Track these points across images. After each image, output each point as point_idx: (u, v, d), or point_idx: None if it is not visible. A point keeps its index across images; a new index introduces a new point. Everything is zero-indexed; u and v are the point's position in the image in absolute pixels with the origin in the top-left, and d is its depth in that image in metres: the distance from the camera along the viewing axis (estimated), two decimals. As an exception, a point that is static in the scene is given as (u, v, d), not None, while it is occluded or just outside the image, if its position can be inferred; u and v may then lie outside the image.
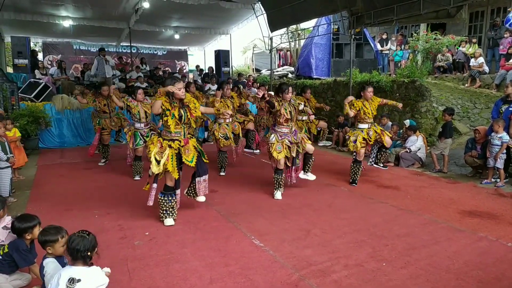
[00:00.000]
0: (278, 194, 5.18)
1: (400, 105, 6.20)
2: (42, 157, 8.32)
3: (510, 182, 5.92)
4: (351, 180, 5.93)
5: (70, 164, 7.57)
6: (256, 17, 12.56)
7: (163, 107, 4.02)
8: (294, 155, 5.17)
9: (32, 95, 9.50)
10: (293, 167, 5.40)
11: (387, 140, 5.90)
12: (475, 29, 12.64)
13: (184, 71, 16.81)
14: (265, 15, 11.92)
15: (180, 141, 4.12)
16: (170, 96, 4.02)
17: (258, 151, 7.15)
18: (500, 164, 5.74)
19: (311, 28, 14.46)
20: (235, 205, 4.72)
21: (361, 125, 5.86)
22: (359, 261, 3.36)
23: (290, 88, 5.11)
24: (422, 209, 4.78)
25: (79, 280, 2.27)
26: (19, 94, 9.12)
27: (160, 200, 4.16)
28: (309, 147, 5.36)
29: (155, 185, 4.20)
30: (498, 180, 5.81)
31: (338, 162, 7.44)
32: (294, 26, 14.55)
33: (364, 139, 5.76)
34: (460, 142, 7.66)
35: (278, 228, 4.15)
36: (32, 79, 10.24)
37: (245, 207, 4.84)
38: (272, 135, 5.12)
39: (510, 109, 5.93)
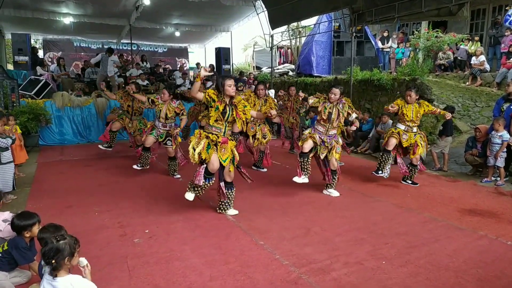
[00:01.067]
0: (303, 179, 5.06)
1: (448, 115, 5.86)
2: (42, 154, 8.32)
3: (510, 181, 5.92)
4: (376, 168, 5.79)
5: (70, 161, 7.57)
6: (257, 14, 12.52)
7: (209, 97, 4.14)
8: (321, 156, 5.14)
9: (33, 92, 9.50)
10: (325, 168, 5.29)
11: (416, 156, 5.70)
12: (476, 27, 12.59)
13: (185, 68, 16.79)
14: (266, 12, 11.88)
15: (218, 136, 4.18)
16: (221, 90, 4.14)
17: (265, 169, 6.81)
18: (500, 162, 5.73)
19: (312, 26, 14.42)
20: (235, 203, 4.71)
21: (399, 125, 5.79)
22: (359, 259, 3.36)
23: (336, 90, 5.08)
24: (422, 207, 4.77)
25: None
26: (19, 91, 9.11)
27: (195, 174, 4.22)
28: (333, 161, 5.17)
29: (202, 167, 4.21)
30: (498, 178, 5.81)
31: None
32: (295, 24, 14.50)
33: (398, 134, 5.66)
34: (461, 141, 7.65)
35: (278, 226, 4.15)
36: (33, 76, 10.24)
37: (245, 205, 4.84)
38: (308, 130, 5.31)
39: None
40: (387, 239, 3.78)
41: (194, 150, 4.12)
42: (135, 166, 6.23)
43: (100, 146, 7.51)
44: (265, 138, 6.49)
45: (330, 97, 5.10)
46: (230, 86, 4.13)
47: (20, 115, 8.18)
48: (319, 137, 5.09)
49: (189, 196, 4.28)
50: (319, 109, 5.10)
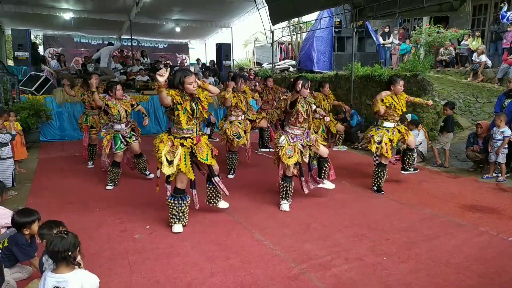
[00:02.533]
0: (285, 206, 4.51)
1: (430, 102, 5.33)
2: (43, 150, 8.33)
3: (511, 177, 5.91)
4: (375, 188, 5.21)
5: (70, 157, 7.57)
6: (258, 10, 12.48)
7: (174, 101, 3.64)
8: (306, 160, 4.59)
9: (33, 88, 9.48)
10: (309, 173, 4.79)
11: (410, 140, 5.24)
12: (478, 22, 12.52)
13: (185, 64, 16.75)
14: (266, 8, 11.83)
15: (192, 139, 3.80)
16: (181, 89, 3.70)
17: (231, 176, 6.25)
18: (501, 158, 5.72)
19: (313, 21, 14.35)
20: (236, 199, 4.72)
21: (386, 123, 5.14)
22: (359, 255, 3.36)
23: (309, 83, 4.44)
24: (423, 203, 4.77)
25: None
26: (19, 87, 9.10)
27: (170, 204, 3.81)
28: (323, 149, 4.74)
29: (169, 187, 3.90)
30: (500, 174, 5.79)
31: (339, 156, 7.42)
32: (295, 19, 14.44)
33: (390, 140, 5.08)
34: (462, 137, 7.63)
35: (279, 222, 4.15)
36: (33, 72, 10.22)
37: (246, 201, 4.84)
38: (282, 137, 4.47)
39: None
40: (388, 235, 3.78)
41: (169, 162, 3.67)
42: (108, 187, 5.38)
43: (88, 167, 6.68)
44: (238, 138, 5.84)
45: (304, 93, 4.39)
46: (190, 84, 3.66)
47: (20, 111, 8.17)
48: (300, 144, 4.47)
49: (178, 228, 3.82)
50: (299, 110, 4.38)
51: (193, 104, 3.77)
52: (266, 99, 8.02)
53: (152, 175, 5.77)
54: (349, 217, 4.32)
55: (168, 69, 3.56)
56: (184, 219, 3.90)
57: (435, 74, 10.26)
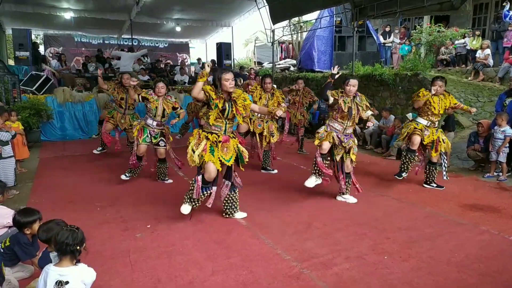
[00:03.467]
0: (309, 181, 4.64)
1: (473, 110, 5.27)
2: (44, 149, 8.34)
3: (513, 176, 5.90)
4: (399, 171, 5.30)
5: (72, 157, 7.58)
6: (258, 9, 12.47)
7: (207, 95, 3.78)
8: (337, 159, 4.65)
9: (34, 88, 9.49)
10: (342, 174, 4.79)
11: (433, 154, 5.23)
12: (479, 21, 12.51)
13: (186, 63, 16.76)
14: (267, 7, 11.82)
15: (218, 136, 3.85)
16: (218, 85, 3.81)
17: (275, 171, 6.34)
18: (502, 158, 5.72)
19: (314, 21, 14.36)
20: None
21: (420, 119, 5.21)
22: (361, 253, 3.36)
23: (355, 81, 4.55)
24: (424, 202, 4.77)
25: (67, 282, 2.15)
26: (20, 86, 9.11)
27: (192, 186, 3.92)
28: (348, 163, 4.72)
29: (199, 177, 3.90)
30: (501, 174, 5.79)
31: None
32: (296, 19, 14.44)
33: (420, 130, 5.12)
34: (463, 136, 7.62)
35: (280, 221, 4.15)
36: (34, 72, 10.22)
37: (247, 200, 4.84)
38: (323, 127, 4.71)
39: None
40: (389, 234, 3.78)
41: (194, 152, 3.81)
42: (123, 177, 5.46)
43: (94, 151, 7.08)
44: (272, 136, 6.00)
45: (347, 90, 4.53)
46: (227, 80, 3.77)
47: (21, 111, 8.18)
48: (336, 136, 4.59)
49: (186, 209, 3.91)
50: (340, 104, 4.51)
51: (227, 104, 3.84)
52: (292, 100, 7.61)
53: (170, 181, 5.73)
54: (350, 216, 4.33)
55: (212, 64, 3.69)
56: (196, 204, 3.96)
57: (436, 73, 10.23)
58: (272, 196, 5.03)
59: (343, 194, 4.81)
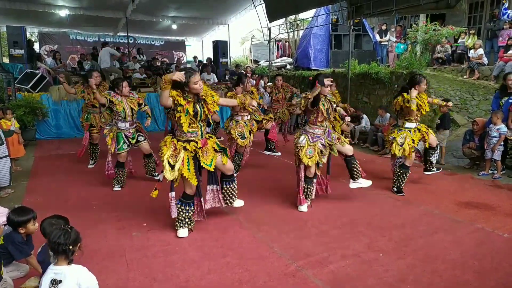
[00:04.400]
0: (303, 207, 4.43)
1: (450, 104, 5.13)
2: (39, 148, 8.29)
3: (507, 174, 5.94)
4: (395, 189, 5.09)
5: (67, 155, 7.54)
6: (255, 7, 12.44)
7: (176, 102, 3.46)
8: (324, 160, 4.44)
9: (29, 86, 9.43)
10: (328, 175, 4.71)
11: (431, 139, 5.13)
12: (474, 20, 12.56)
13: (182, 62, 16.71)
14: (263, 5, 11.80)
15: (196, 142, 3.60)
16: (184, 89, 3.49)
17: (279, 153, 6.53)
18: (497, 156, 5.75)
19: (310, 19, 14.35)
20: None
21: (408, 124, 5.00)
22: (356, 251, 3.37)
23: (330, 80, 4.30)
24: (419, 200, 4.79)
25: (60, 281, 2.15)
26: (15, 84, 9.05)
27: (177, 209, 3.71)
28: (348, 147, 4.57)
29: (172, 194, 3.78)
30: (495, 171, 5.83)
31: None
32: (292, 17, 14.43)
33: (412, 140, 4.96)
34: (458, 134, 7.66)
35: (276, 219, 4.16)
36: (29, 70, 10.16)
37: (243, 198, 4.82)
38: (302, 137, 4.36)
39: (510, 101, 5.92)
40: (385, 232, 3.80)
41: (171, 166, 3.52)
42: (116, 189, 5.25)
43: (88, 166, 6.60)
44: (243, 139, 5.79)
45: (324, 91, 4.29)
46: (196, 83, 3.47)
47: (16, 109, 8.13)
48: (321, 144, 4.35)
49: (183, 233, 3.70)
50: (320, 108, 4.27)
51: (197, 106, 3.57)
52: (276, 98, 7.70)
53: (161, 176, 5.64)
54: (347, 214, 4.34)
55: (198, 75, 3.51)
56: (191, 224, 3.79)
57: (432, 72, 10.27)
58: (268, 194, 5.03)
59: (356, 179, 4.63)
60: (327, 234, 3.77)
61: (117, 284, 2.87)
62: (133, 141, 5.26)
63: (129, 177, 5.78)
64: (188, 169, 3.54)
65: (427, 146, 5.24)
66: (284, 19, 14.33)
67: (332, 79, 4.34)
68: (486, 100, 8.60)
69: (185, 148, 3.56)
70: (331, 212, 4.41)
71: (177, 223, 3.74)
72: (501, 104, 6.11)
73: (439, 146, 5.34)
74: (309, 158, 4.26)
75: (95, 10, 13.13)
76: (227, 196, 4.04)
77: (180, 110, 3.49)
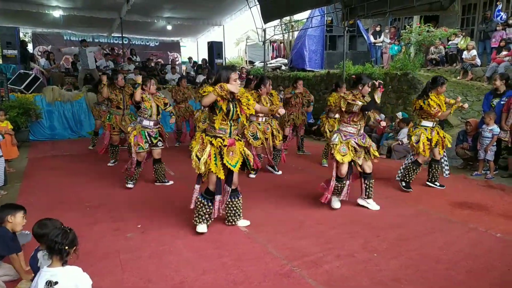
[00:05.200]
0: (336, 203, 4.45)
1: (465, 106, 5.15)
2: (33, 149, 8.24)
3: (500, 174, 6.00)
4: (404, 184, 5.18)
5: (61, 157, 7.50)
6: (249, 8, 12.44)
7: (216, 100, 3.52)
8: (360, 162, 4.37)
9: (22, 87, 9.38)
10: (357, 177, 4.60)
11: (435, 150, 5.22)
12: (467, 21, 12.67)
13: (177, 62, 16.68)
14: (258, 6, 11.82)
15: (223, 140, 3.61)
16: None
17: (279, 172, 6.16)
18: (490, 156, 5.81)
19: (305, 20, 14.39)
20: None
21: (425, 122, 5.09)
22: (351, 251, 3.39)
23: (369, 81, 4.30)
24: (413, 200, 4.82)
25: (56, 283, 2.13)
26: (8, 85, 8.98)
27: (198, 203, 3.72)
28: (369, 163, 4.46)
29: (197, 186, 3.77)
30: (488, 172, 5.88)
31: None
32: (287, 18, 14.46)
33: (428, 139, 5.03)
34: (452, 134, 7.68)
35: (272, 219, 4.16)
36: (22, 70, 10.09)
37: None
38: (335, 135, 4.37)
39: (502, 102, 5.98)
40: (379, 232, 3.81)
41: (199, 159, 3.59)
42: (128, 185, 5.29)
43: (109, 164, 6.68)
44: (255, 139, 5.75)
45: (365, 90, 4.29)
46: (235, 80, 3.53)
47: (9, 110, 8.07)
48: (354, 142, 4.31)
49: (202, 228, 3.71)
50: (354, 109, 4.22)
51: (231, 105, 3.58)
52: (294, 103, 7.21)
53: (171, 182, 5.58)
54: (342, 214, 4.35)
55: (237, 73, 3.58)
56: (209, 221, 3.78)
57: (425, 73, 10.33)
58: (265, 195, 5.03)
59: (366, 198, 4.54)
60: (323, 234, 3.78)
61: (111, 286, 2.85)
62: (155, 141, 5.22)
63: (123, 179, 5.75)
64: (216, 164, 3.59)
65: (435, 154, 5.27)
66: (279, 20, 14.37)
67: (381, 81, 4.27)
68: (479, 101, 8.65)
69: (211, 143, 3.61)
70: (327, 212, 4.42)
71: (196, 219, 3.74)
72: (492, 105, 6.18)
73: (445, 159, 5.41)
74: (342, 156, 4.24)
75: (89, 11, 13.06)
76: (230, 212, 3.91)
77: (215, 107, 3.55)
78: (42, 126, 9.52)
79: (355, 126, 4.33)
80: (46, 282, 2.15)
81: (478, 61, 10.11)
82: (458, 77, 10.12)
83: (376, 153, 4.45)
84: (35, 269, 2.55)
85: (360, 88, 4.31)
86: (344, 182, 4.39)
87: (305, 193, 5.06)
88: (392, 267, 3.11)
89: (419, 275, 2.98)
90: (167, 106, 5.41)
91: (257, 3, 11.81)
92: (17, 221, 2.87)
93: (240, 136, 4.00)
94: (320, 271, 3.04)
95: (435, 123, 5.15)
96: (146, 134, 5.13)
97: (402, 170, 5.38)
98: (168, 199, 4.86)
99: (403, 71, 8.95)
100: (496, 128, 5.75)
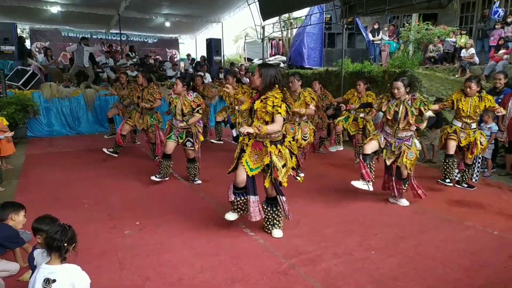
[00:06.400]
0: (358, 183, 4.43)
1: (503, 112, 5.17)
2: (30, 146, 8.21)
3: (497, 172, 6.02)
4: (443, 178, 5.36)
5: (58, 153, 7.48)
6: (248, 5, 12.40)
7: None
8: (388, 163, 4.54)
9: (20, 83, 9.32)
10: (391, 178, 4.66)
11: (467, 157, 5.21)
12: (466, 19, 12.68)
13: (175, 59, 16.63)
14: (257, 3, 11.76)
15: (246, 140, 3.62)
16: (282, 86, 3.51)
17: (302, 174, 5.55)
18: (488, 154, 5.82)
19: (304, 17, 14.35)
20: (226, 195, 4.71)
21: (455, 121, 5.24)
22: (348, 249, 3.40)
23: (398, 83, 4.31)
24: (411, 198, 4.82)
25: (54, 281, 2.12)
26: (6, 81, 8.93)
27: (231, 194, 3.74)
28: (403, 170, 4.54)
29: (232, 181, 3.77)
30: (486, 170, 5.90)
31: (332, 152, 7.44)
32: (286, 15, 14.44)
33: (455, 132, 5.14)
34: (450, 133, 7.72)
35: (269, 218, 4.16)
36: (20, 67, 10.04)
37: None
38: (377, 131, 4.75)
39: (499, 100, 5.99)
40: (376, 230, 3.83)
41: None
42: (153, 178, 5.28)
43: (104, 150, 6.72)
44: (305, 140, 5.54)
45: (394, 93, 4.37)
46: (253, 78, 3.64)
47: (7, 106, 8.03)
48: (384, 138, 4.52)
49: (230, 216, 3.73)
50: (383, 109, 4.47)
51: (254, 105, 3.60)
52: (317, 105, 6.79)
53: (200, 182, 5.51)
54: (339, 212, 4.37)
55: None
56: (239, 211, 3.74)
57: (424, 71, 10.36)
58: (262, 193, 5.02)
59: (396, 197, 4.65)
60: (320, 232, 3.79)
61: (109, 283, 2.86)
62: (181, 140, 5.29)
63: (121, 176, 5.75)
64: (242, 159, 3.60)
65: (466, 158, 5.25)
66: (278, 17, 14.33)
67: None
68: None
69: (243, 140, 3.70)
70: (324, 210, 4.43)
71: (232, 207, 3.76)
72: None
73: (476, 165, 5.46)
74: (369, 138, 4.62)
75: (88, 7, 12.98)
76: (265, 218, 3.77)
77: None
78: (40, 122, 9.49)
79: (391, 126, 4.49)
80: (44, 280, 2.13)
81: (476, 59, 10.11)
82: (456, 75, 10.13)
83: (408, 163, 4.43)
84: (32, 267, 2.55)
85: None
86: (367, 162, 4.45)
87: (300, 192, 5.05)
88: (389, 265, 3.13)
89: (416, 273, 3.00)
90: (195, 111, 5.22)
91: (256, 0, 11.77)
92: (19, 220, 2.87)
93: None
94: (317, 269, 3.06)
95: (464, 124, 5.12)
96: (174, 132, 5.29)
97: (442, 171, 5.40)
98: (166, 197, 4.86)
99: (401, 69, 8.95)
100: (494, 126, 5.76)
